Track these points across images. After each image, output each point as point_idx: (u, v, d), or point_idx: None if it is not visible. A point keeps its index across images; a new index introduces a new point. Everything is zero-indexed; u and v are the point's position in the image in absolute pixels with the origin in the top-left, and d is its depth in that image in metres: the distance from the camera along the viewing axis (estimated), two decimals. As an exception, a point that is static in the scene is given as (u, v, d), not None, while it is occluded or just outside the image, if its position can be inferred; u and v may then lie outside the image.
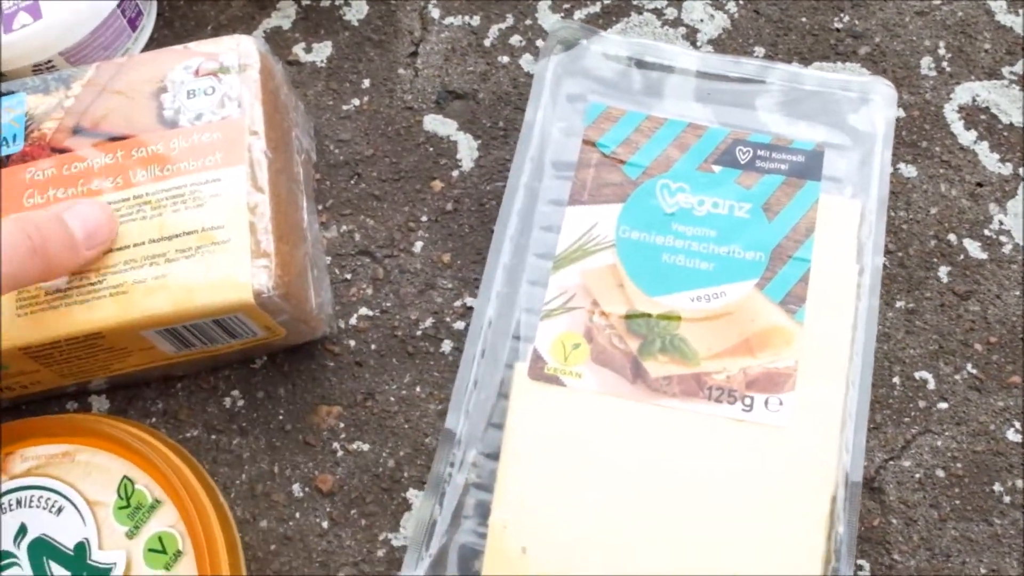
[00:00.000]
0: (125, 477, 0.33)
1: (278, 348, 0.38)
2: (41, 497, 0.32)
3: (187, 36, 0.45)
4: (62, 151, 0.37)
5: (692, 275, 0.37)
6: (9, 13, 0.41)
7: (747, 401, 0.35)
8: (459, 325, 0.39)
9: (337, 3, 0.45)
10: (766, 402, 0.34)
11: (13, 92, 0.39)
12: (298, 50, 0.45)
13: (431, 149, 0.42)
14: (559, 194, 0.38)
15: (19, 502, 0.32)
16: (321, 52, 0.45)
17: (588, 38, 0.40)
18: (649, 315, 0.36)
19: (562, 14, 0.45)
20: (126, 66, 0.38)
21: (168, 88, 0.38)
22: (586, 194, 0.38)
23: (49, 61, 0.42)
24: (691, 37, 0.44)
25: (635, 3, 0.44)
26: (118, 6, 0.42)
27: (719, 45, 0.43)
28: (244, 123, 0.36)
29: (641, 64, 0.40)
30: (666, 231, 0.37)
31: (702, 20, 0.44)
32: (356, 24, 0.45)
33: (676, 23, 0.44)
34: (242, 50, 0.38)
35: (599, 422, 0.35)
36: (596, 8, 0.45)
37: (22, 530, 0.32)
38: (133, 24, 0.44)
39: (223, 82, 0.37)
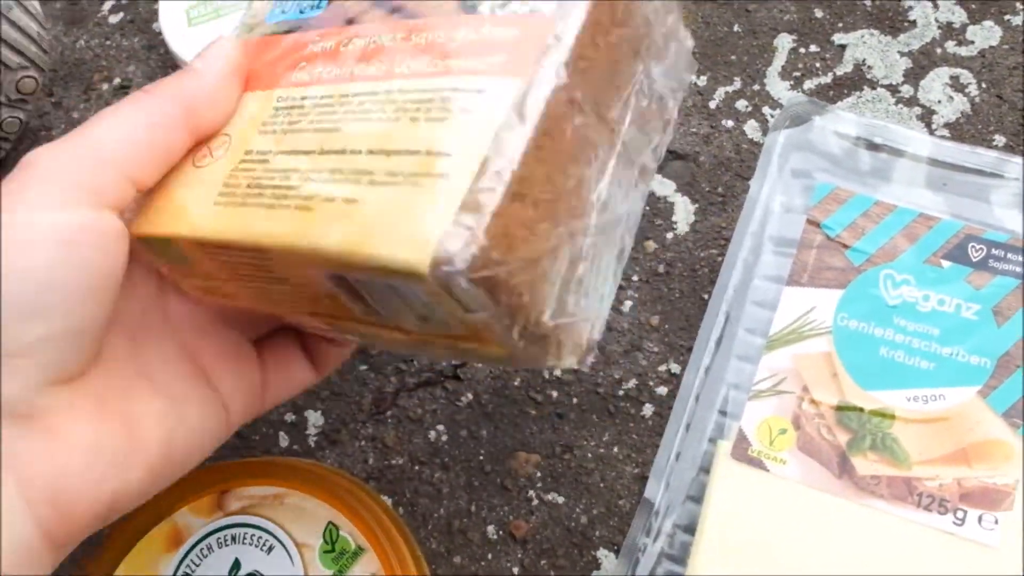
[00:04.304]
0: (330, 523, 0.34)
1: (503, 362, 0.32)
2: (254, 535, 0.34)
3: None
4: (351, 21, 0.29)
5: (910, 373, 0.36)
6: None
7: (959, 514, 0.34)
8: (661, 390, 0.39)
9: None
10: (980, 518, 0.33)
11: None
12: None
13: (647, 208, 0.42)
14: (776, 270, 0.38)
15: (234, 538, 0.34)
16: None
17: (821, 114, 0.40)
18: (861, 409, 0.35)
19: (791, 82, 0.44)
20: None
21: None
22: (806, 276, 0.38)
23: None
24: (926, 119, 0.42)
25: (869, 77, 0.43)
26: None
27: (956, 130, 0.42)
28: (552, 23, 0.25)
29: (871, 144, 0.40)
30: (887, 324, 0.37)
31: (940, 101, 0.43)
32: (583, 74, 0.46)
33: (911, 102, 0.43)
34: None
35: (800, 513, 0.34)
36: (827, 79, 0.44)
37: (236, 565, 0.34)
38: None
39: None
